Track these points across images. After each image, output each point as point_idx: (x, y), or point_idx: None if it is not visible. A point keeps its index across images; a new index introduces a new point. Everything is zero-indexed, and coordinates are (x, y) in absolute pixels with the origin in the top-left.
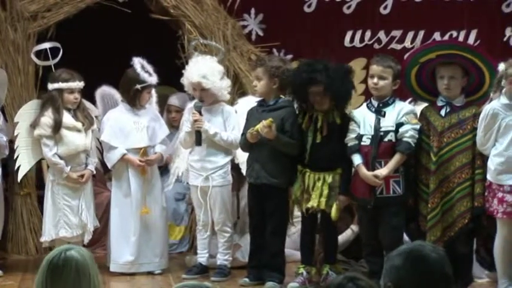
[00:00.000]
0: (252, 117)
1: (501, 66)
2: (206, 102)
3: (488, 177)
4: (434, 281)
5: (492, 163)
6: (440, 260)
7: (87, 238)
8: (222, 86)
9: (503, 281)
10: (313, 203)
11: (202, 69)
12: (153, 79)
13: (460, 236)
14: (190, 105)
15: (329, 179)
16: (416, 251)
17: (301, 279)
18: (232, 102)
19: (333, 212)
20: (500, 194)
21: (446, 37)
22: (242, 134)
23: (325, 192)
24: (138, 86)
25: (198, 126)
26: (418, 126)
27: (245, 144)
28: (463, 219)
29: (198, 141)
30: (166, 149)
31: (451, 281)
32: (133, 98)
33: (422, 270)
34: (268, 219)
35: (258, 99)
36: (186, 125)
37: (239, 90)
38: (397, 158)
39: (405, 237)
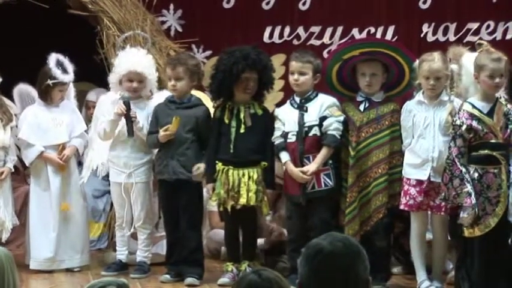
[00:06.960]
0: (162, 114)
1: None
2: (138, 93)
3: (402, 171)
4: (330, 274)
5: (405, 157)
6: (338, 253)
7: (5, 236)
8: (155, 80)
9: (420, 273)
10: (243, 200)
11: (144, 61)
12: (67, 77)
13: (378, 230)
14: (114, 98)
15: (254, 174)
16: (312, 245)
17: (232, 275)
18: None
19: (264, 207)
20: (406, 187)
21: (364, 33)
22: (149, 132)
23: (253, 188)
24: (50, 82)
25: (134, 116)
26: (342, 118)
27: (154, 142)
28: (378, 214)
29: (131, 132)
30: (82, 142)
31: (353, 273)
32: (45, 94)
33: (316, 265)
34: (184, 214)
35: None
36: (106, 116)
37: (158, 85)
38: (324, 151)
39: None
